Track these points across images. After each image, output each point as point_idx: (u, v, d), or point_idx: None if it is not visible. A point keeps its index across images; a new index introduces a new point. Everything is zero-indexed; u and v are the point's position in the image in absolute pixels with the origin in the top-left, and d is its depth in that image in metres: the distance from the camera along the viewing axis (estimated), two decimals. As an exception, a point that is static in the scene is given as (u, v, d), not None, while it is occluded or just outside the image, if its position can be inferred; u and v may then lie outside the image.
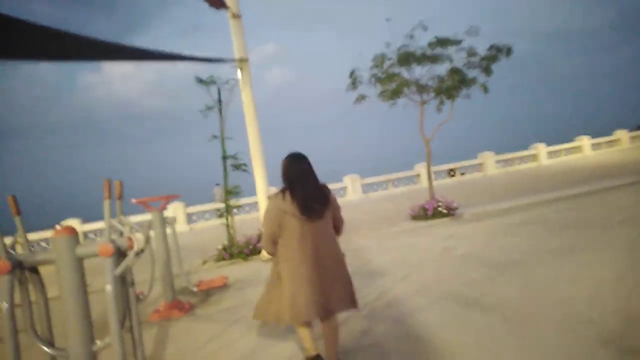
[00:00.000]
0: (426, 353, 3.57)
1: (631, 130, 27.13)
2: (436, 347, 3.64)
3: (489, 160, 21.51)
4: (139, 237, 3.04)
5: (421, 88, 10.32)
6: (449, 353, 3.51)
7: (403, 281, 5.71)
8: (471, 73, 10.22)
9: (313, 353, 3.46)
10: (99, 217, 17.53)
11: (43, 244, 16.70)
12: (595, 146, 24.48)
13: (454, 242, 7.63)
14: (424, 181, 19.80)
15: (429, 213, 10.05)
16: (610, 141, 25.37)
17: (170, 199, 5.79)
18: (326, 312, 3.23)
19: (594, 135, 25.01)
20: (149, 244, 3.27)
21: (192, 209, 17.92)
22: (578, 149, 23.92)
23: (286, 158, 3.31)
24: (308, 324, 3.44)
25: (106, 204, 2.91)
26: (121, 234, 3.17)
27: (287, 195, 3.18)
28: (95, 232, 17.18)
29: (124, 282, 3.28)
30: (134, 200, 5.72)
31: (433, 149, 10.82)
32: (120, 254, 2.94)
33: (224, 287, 6.33)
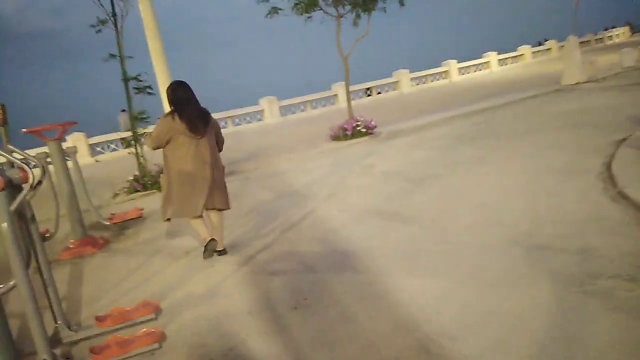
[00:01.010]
0: (352, 265, 3.64)
1: (533, 46, 28.68)
2: (361, 258, 3.73)
3: (404, 78, 21.87)
4: (33, 170, 2.68)
5: (337, 0, 9.93)
6: (373, 262, 3.60)
7: (326, 200, 5.75)
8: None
9: (209, 238, 4.15)
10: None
11: None
12: (501, 62, 25.67)
13: (374, 159, 7.77)
14: (342, 101, 19.79)
15: (349, 133, 10.09)
16: (515, 56, 26.71)
17: (66, 126, 5.22)
18: (211, 206, 4.09)
19: (502, 51, 26.15)
20: (46, 176, 2.89)
21: (96, 139, 16.44)
22: (486, 64, 24.96)
23: (171, 85, 4.06)
24: (199, 217, 4.12)
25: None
26: (12, 165, 2.77)
27: (176, 117, 3.86)
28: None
29: (22, 218, 2.92)
30: (24, 130, 5.08)
31: (350, 67, 10.67)
32: (13, 188, 2.58)
33: (140, 219, 6.01)
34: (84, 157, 15.54)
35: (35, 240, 2.95)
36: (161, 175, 4.26)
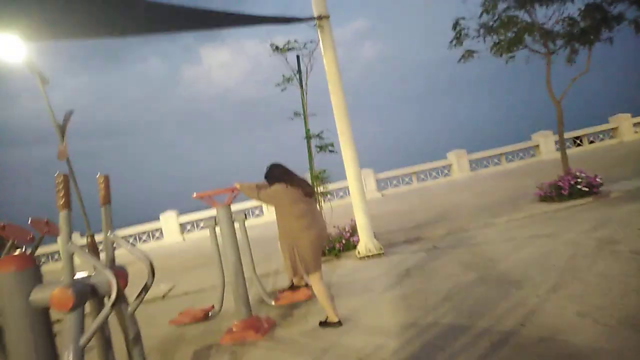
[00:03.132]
0: None
1: None
2: None
3: (624, 124, 18.13)
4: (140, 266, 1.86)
5: (547, 34, 8.24)
6: None
7: (553, 294, 4.05)
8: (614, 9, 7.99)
9: (337, 319, 4.29)
10: (193, 207, 17.44)
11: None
12: None
13: (611, 231, 5.70)
14: (543, 153, 17.17)
15: (565, 192, 8.02)
16: None
17: (236, 191, 4.67)
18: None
19: None
20: (153, 277, 2.05)
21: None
22: None
23: (272, 166, 4.36)
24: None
25: (63, 219, 1.75)
26: (106, 264, 2.00)
27: (289, 186, 4.16)
28: (190, 223, 17.15)
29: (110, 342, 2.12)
30: (194, 195, 4.68)
31: (553, 113, 8.74)
32: (97, 300, 1.80)
33: (310, 300, 5.11)
34: (268, 215, 16.03)
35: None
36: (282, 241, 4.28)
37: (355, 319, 4.40)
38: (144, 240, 17.96)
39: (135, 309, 1.99)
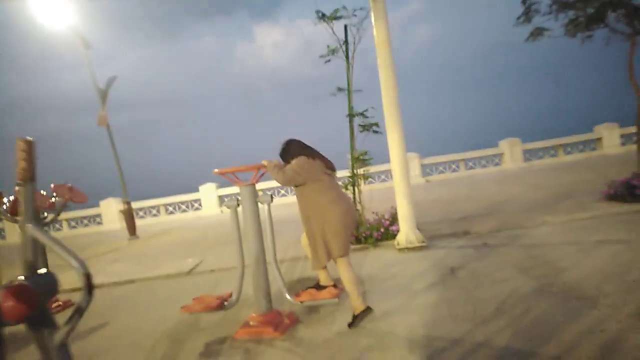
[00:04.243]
0: None
1: None
2: None
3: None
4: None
5: (635, 11, 7.15)
6: None
7: (639, 321, 3.28)
8: None
9: (364, 306, 3.86)
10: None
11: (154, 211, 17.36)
12: None
13: (703, 243, 4.78)
14: (607, 146, 15.74)
15: (639, 192, 7.02)
16: None
17: (263, 168, 4.09)
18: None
19: None
20: (90, 302, 1.42)
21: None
22: None
23: (289, 142, 4.06)
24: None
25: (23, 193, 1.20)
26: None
27: (310, 158, 3.86)
28: (229, 196, 16.93)
29: None
30: (216, 171, 4.14)
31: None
32: None
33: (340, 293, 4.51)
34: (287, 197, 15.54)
35: None
36: (309, 222, 3.97)
37: (388, 327, 3.78)
38: (183, 210, 17.93)
39: (66, 338, 1.40)
